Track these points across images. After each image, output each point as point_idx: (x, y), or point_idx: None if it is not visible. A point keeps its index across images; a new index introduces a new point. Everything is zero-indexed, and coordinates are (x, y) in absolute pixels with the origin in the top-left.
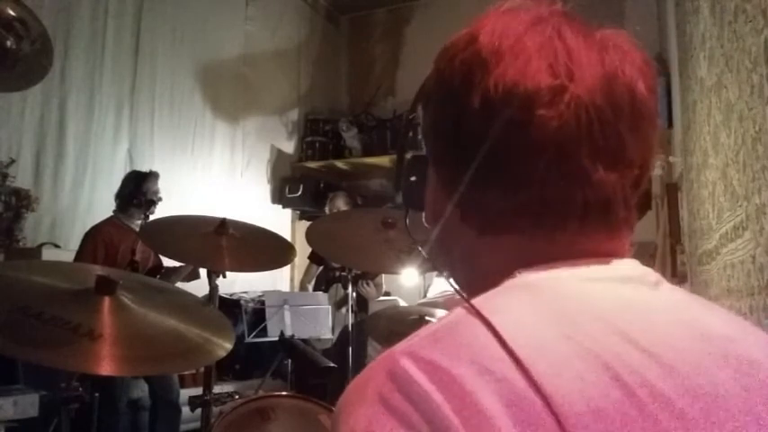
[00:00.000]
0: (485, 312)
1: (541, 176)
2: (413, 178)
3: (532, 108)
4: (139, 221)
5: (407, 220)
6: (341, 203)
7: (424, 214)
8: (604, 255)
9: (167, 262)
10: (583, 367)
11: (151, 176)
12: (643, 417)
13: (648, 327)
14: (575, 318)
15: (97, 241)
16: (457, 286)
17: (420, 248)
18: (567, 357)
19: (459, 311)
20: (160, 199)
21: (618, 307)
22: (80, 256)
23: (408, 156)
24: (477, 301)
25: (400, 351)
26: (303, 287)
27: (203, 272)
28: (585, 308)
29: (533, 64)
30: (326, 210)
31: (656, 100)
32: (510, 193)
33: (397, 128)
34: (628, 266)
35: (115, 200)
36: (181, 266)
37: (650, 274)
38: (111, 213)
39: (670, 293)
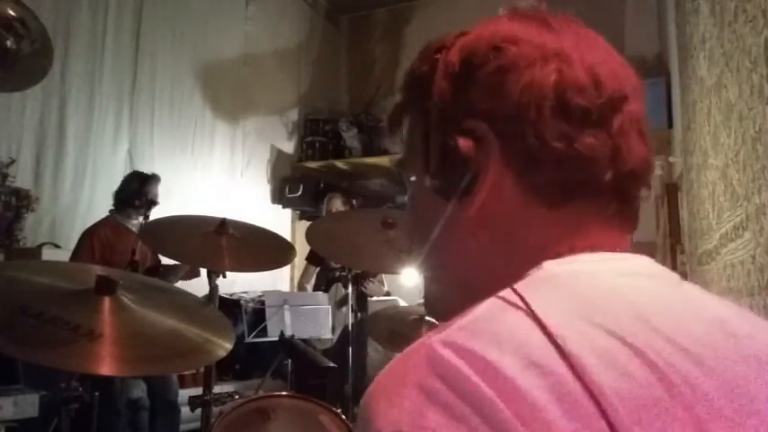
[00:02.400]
0: (528, 300)
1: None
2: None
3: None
4: (136, 221)
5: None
6: (338, 204)
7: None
8: (615, 244)
9: (165, 261)
10: (629, 363)
11: (153, 179)
12: (688, 415)
13: (682, 325)
14: (613, 313)
15: (93, 241)
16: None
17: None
18: (613, 353)
19: (495, 301)
20: (158, 203)
21: (652, 304)
22: (76, 255)
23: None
24: (507, 293)
25: (438, 341)
26: (302, 288)
27: (203, 271)
28: (622, 304)
29: (596, 70)
30: (323, 211)
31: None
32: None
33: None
34: (648, 263)
35: (114, 199)
36: (178, 265)
37: (671, 272)
38: (108, 213)
39: (694, 291)
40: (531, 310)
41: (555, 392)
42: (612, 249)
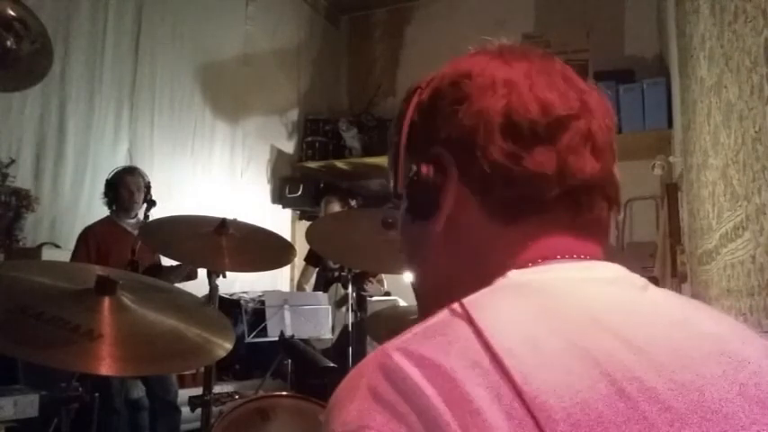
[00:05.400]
0: (471, 311)
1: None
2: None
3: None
4: (132, 221)
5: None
6: (335, 207)
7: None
8: (586, 254)
9: (165, 261)
10: (571, 362)
11: (117, 172)
12: (631, 410)
13: (638, 325)
14: (565, 315)
15: (89, 241)
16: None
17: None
18: (556, 353)
19: (446, 311)
20: (132, 195)
21: (608, 306)
22: (74, 256)
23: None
24: (466, 301)
25: (392, 346)
26: (300, 289)
27: (203, 272)
28: (576, 306)
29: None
30: (321, 213)
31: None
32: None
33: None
34: (616, 269)
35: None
36: (179, 266)
37: (638, 278)
38: (108, 213)
39: (658, 295)
40: (470, 318)
41: (493, 391)
42: (576, 257)
